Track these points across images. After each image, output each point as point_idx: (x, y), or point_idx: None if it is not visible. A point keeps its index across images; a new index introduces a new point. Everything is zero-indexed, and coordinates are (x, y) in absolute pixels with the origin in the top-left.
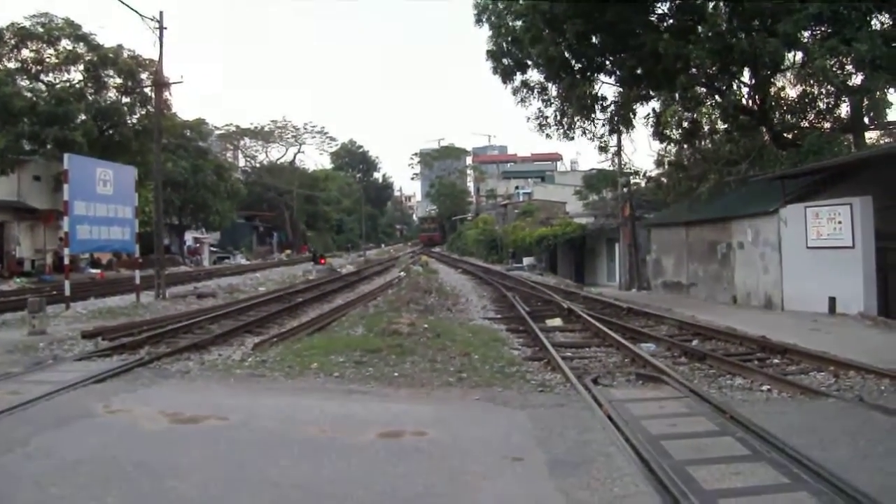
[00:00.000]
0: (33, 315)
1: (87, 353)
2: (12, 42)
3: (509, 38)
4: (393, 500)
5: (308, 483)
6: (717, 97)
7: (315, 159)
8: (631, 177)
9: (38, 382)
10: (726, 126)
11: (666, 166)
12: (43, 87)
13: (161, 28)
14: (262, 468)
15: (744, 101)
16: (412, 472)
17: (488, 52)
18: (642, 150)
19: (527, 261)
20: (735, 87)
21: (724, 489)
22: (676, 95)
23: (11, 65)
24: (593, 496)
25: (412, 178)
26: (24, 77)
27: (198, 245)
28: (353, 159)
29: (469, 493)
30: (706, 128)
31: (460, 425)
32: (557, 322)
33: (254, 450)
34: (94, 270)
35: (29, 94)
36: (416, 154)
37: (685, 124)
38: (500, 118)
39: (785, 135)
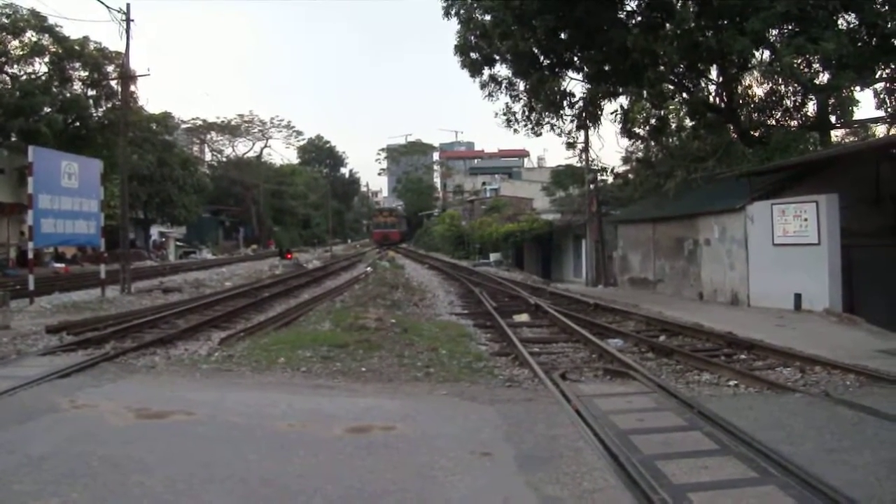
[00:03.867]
0: None
1: (52, 347)
2: None
3: (478, 33)
4: (361, 495)
5: (276, 478)
6: (684, 94)
7: (282, 154)
8: (598, 173)
9: (0, 377)
10: (693, 123)
11: (633, 163)
12: (7, 79)
13: (128, 20)
14: (229, 463)
15: (711, 98)
16: (380, 467)
17: (456, 46)
18: (610, 147)
19: (493, 257)
20: (703, 84)
21: (693, 483)
22: (644, 92)
23: None
24: (563, 491)
25: (379, 174)
26: None
27: (163, 240)
28: (320, 154)
29: (438, 488)
30: (673, 124)
31: (428, 420)
32: (525, 318)
33: (221, 445)
34: (58, 265)
35: None
36: (383, 149)
37: (653, 121)
38: (468, 114)
39: (752, 132)
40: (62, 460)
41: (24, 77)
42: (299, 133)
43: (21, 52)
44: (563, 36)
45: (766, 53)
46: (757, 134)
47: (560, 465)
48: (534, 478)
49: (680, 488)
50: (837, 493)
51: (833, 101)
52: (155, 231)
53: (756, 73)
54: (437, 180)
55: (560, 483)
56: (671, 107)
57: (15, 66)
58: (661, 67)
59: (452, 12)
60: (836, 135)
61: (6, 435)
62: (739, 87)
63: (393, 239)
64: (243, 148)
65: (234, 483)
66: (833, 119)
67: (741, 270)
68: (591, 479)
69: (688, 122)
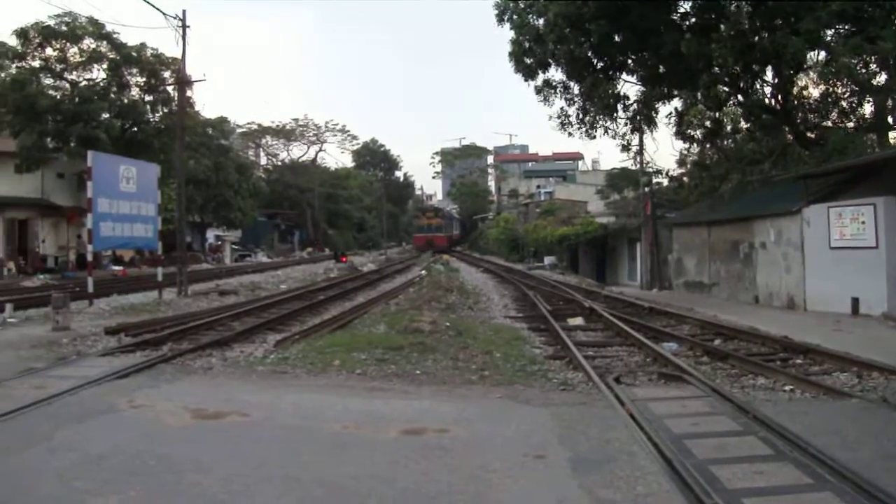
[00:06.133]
0: (57, 311)
1: (111, 348)
2: (37, 41)
3: (532, 38)
4: (415, 497)
5: (331, 479)
6: (739, 96)
7: (337, 158)
8: (653, 176)
9: (62, 377)
10: (749, 125)
11: (688, 165)
12: (67, 86)
13: (184, 26)
14: (284, 464)
15: (766, 100)
16: (434, 469)
17: (510, 51)
18: (665, 149)
19: (548, 260)
20: (757, 86)
21: (748, 489)
22: (699, 94)
23: (36, 63)
24: (616, 494)
25: (433, 177)
26: (49, 76)
27: (219, 243)
28: (375, 158)
29: (491, 490)
30: (728, 127)
31: (482, 423)
32: (579, 321)
33: (276, 446)
34: (116, 267)
35: (53, 93)
36: (437, 153)
37: (707, 123)
38: (522, 117)
39: (808, 134)
40: (121, 459)
41: (83, 83)
42: (354, 137)
43: (80, 59)
44: (616, 39)
45: (822, 54)
46: (813, 136)
47: (614, 469)
48: (587, 481)
49: (734, 493)
50: (894, 500)
51: (891, 102)
52: (211, 234)
53: (811, 75)
54: (492, 183)
55: (613, 487)
56: (726, 109)
57: (74, 72)
58: (716, 70)
59: (506, 18)
60: (894, 136)
61: (67, 433)
62: (795, 88)
63: (439, 245)
64: (298, 152)
65: (289, 483)
66: (891, 120)
67: (797, 274)
68: (644, 484)
69: (743, 125)
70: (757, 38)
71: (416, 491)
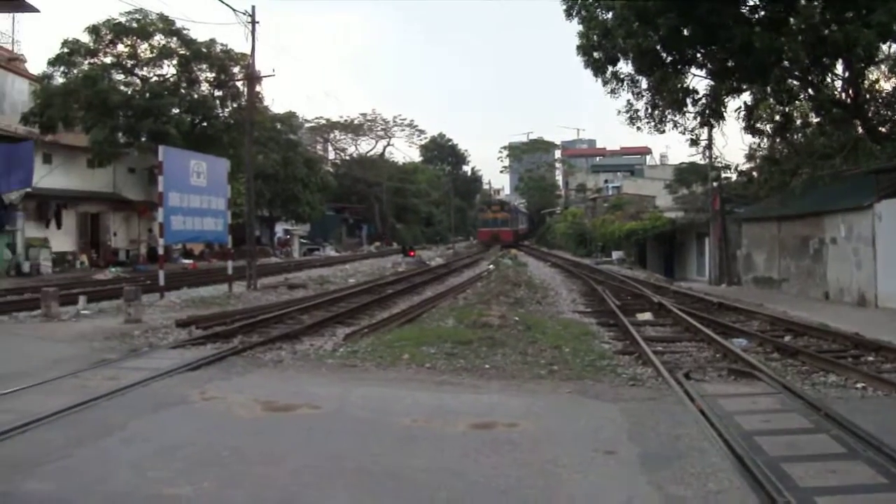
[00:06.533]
0: (129, 304)
1: (182, 341)
2: (108, 37)
3: (600, 32)
4: (485, 490)
5: (401, 472)
6: (809, 90)
7: (404, 152)
8: (722, 170)
9: (134, 369)
10: (819, 119)
11: (757, 160)
12: (137, 82)
13: (253, 22)
14: (354, 456)
15: (837, 94)
16: (504, 463)
17: (579, 46)
18: (734, 144)
19: (616, 255)
20: (828, 79)
21: (821, 487)
22: (768, 88)
23: (107, 60)
24: (687, 491)
25: (501, 172)
26: (120, 72)
27: (288, 237)
28: (442, 152)
29: (561, 485)
30: (799, 121)
31: (552, 418)
32: (648, 316)
33: (346, 438)
34: (186, 261)
35: (124, 89)
36: (504, 147)
37: (777, 117)
38: (589, 111)
39: (880, 128)
40: (193, 450)
41: (154, 79)
42: (421, 132)
43: (150, 56)
44: (685, 33)
45: (895, 47)
46: (885, 130)
47: (684, 465)
48: (657, 477)
49: (807, 492)
50: None
51: None
52: (280, 228)
53: (883, 68)
54: (559, 178)
55: (684, 483)
56: (797, 103)
57: (144, 68)
58: (786, 63)
59: (574, 12)
60: None
61: (141, 424)
62: (866, 82)
63: (504, 239)
64: (366, 146)
65: (360, 476)
66: None
67: (868, 270)
68: (715, 480)
69: (813, 119)
70: (828, 31)
71: (485, 485)
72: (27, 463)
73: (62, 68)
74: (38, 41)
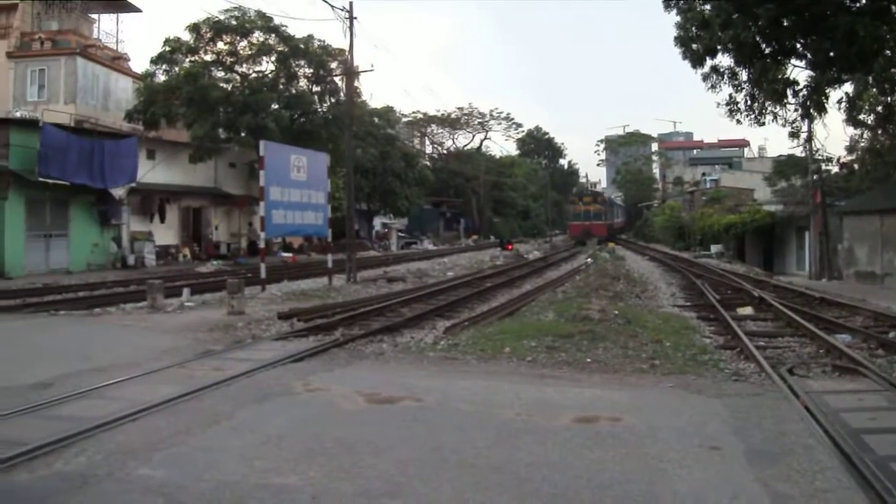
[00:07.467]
0: (232, 296)
1: (284, 333)
2: (208, 35)
3: (698, 23)
4: (589, 485)
5: (505, 465)
6: None
7: (501, 145)
8: (822, 163)
9: (239, 360)
10: None
11: (859, 152)
12: (237, 78)
13: (351, 18)
14: (458, 449)
15: None
16: (608, 457)
17: (677, 37)
18: (835, 136)
19: (714, 248)
20: None
21: None
22: (871, 78)
23: (208, 57)
24: (794, 489)
25: (598, 165)
26: (220, 68)
27: (386, 230)
28: (539, 146)
29: (666, 480)
30: None
31: (655, 412)
32: (748, 311)
33: (449, 431)
34: (286, 254)
35: (224, 85)
36: (601, 141)
37: (880, 108)
38: (686, 104)
39: None
40: (298, 440)
41: (253, 75)
42: (518, 125)
43: (249, 52)
44: (785, 23)
45: None
46: None
47: (790, 463)
48: (763, 474)
49: None
50: None
51: None
52: (378, 222)
53: None
54: (656, 171)
55: (791, 481)
56: None
57: (244, 65)
58: (888, 53)
59: (672, 3)
60: None
61: (246, 414)
62: None
63: (598, 234)
64: (463, 140)
65: (463, 468)
66: None
67: None
68: (823, 479)
69: None
70: None
71: (589, 479)
72: (139, 450)
73: (164, 66)
74: (140, 41)
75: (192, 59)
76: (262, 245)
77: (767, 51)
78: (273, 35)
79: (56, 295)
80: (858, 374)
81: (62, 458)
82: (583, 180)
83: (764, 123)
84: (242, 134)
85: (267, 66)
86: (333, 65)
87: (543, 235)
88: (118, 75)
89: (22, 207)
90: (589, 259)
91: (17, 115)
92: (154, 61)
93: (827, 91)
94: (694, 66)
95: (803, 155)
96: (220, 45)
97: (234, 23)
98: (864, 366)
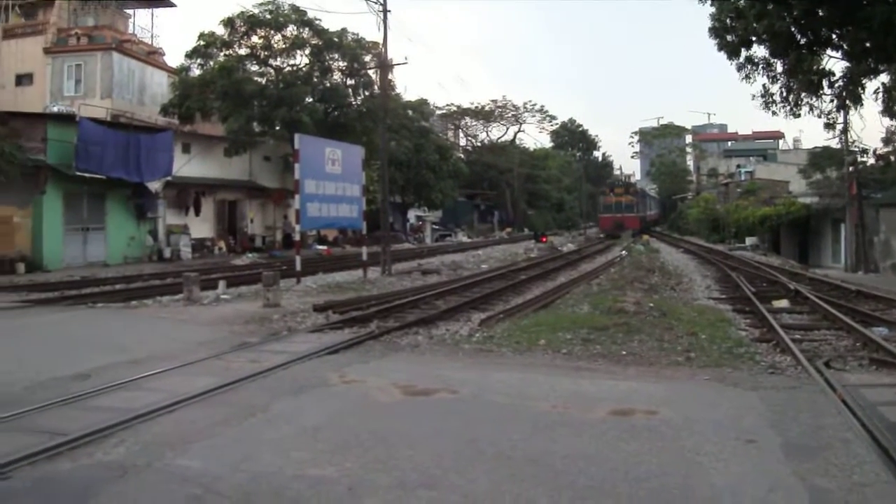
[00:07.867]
0: (268, 288)
1: (319, 325)
2: (243, 29)
3: (733, 14)
4: (626, 477)
5: (540, 457)
6: None
7: (535, 138)
8: (858, 155)
9: (274, 352)
10: None
11: None
12: (271, 71)
13: (385, 11)
14: (494, 441)
15: None
16: (644, 450)
17: (711, 28)
18: (872, 127)
19: (749, 241)
20: None
21: None
22: None
23: (242, 51)
24: (831, 483)
25: (632, 157)
26: (254, 62)
27: (420, 223)
28: (573, 138)
29: (702, 473)
30: None
31: (691, 405)
32: (784, 303)
33: (485, 423)
34: (320, 247)
35: (258, 79)
36: (635, 133)
37: None
38: (720, 95)
39: None
40: (334, 431)
41: (287, 69)
42: (552, 118)
43: (283, 46)
44: (820, 13)
45: None
46: None
47: (828, 456)
48: (801, 468)
49: None
50: None
51: None
52: (412, 215)
53: None
54: (690, 163)
55: (828, 475)
56: None
57: (278, 58)
58: None
59: None
60: None
61: (282, 405)
62: None
63: (630, 227)
64: (497, 133)
65: (500, 461)
66: None
67: None
68: (861, 473)
69: None
70: None
71: (626, 472)
72: (177, 441)
73: (199, 60)
74: (175, 35)
75: (227, 53)
76: (297, 238)
77: (802, 41)
78: (307, 29)
79: (93, 288)
80: None
81: (102, 448)
82: (617, 172)
83: (799, 115)
84: (277, 127)
85: (301, 59)
86: (367, 58)
87: (577, 228)
88: (153, 70)
89: (60, 201)
90: (623, 251)
91: (55, 110)
92: (189, 56)
93: (863, 82)
94: (729, 57)
95: (839, 146)
96: (255, 38)
97: (268, 17)
98: None
